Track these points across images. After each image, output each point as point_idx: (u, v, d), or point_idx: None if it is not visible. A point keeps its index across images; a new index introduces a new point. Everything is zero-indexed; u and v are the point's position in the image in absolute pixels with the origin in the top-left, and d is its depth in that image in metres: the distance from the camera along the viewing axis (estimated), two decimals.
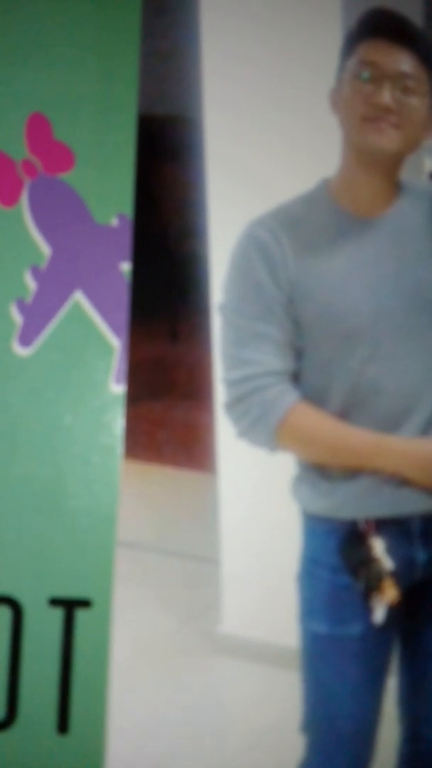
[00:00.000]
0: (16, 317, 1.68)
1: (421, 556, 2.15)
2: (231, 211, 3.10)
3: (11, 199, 1.69)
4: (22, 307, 1.69)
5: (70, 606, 1.67)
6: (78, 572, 1.68)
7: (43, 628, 1.67)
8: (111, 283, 1.69)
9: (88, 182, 1.68)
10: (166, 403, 5.91)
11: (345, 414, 2.11)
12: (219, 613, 3.87)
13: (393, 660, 2.27)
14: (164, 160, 5.62)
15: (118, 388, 1.69)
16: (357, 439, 2.09)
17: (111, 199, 1.69)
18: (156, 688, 3.57)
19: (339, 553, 2.13)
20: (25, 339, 1.69)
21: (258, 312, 2.09)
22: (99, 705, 1.67)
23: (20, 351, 1.69)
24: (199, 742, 3.31)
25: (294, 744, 2.30)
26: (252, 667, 3.70)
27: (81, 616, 1.67)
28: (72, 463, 1.68)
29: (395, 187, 2.13)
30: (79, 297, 1.69)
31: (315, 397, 2.11)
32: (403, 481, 2.10)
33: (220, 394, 2.20)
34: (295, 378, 2.12)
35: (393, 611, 2.12)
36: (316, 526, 2.18)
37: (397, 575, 2.10)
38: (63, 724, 1.67)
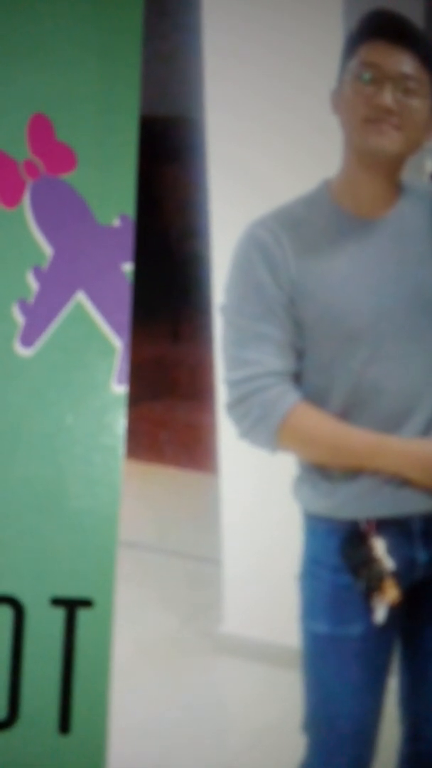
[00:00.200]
0: (18, 317, 1.68)
1: (421, 556, 2.15)
2: (232, 211, 3.10)
3: (13, 199, 1.69)
4: (24, 307, 1.69)
5: (71, 606, 1.67)
6: (80, 572, 1.67)
7: (44, 627, 1.66)
8: (113, 283, 1.69)
9: (90, 183, 1.68)
10: (168, 403, 5.93)
11: (346, 414, 2.11)
12: (220, 613, 3.87)
13: (394, 660, 2.27)
14: (166, 160, 5.64)
15: (119, 389, 1.69)
16: (358, 440, 2.09)
17: (113, 200, 1.69)
18: (157, 688, 3.57)
19: (340, 553, 2.13)
20: (27, 339, 1.69)
21: (259, 313, 2.09)
22: (100, 705, 1.67)
23: (22, 351, 1.69)
24: (200, 741, 3.31)
25: (295, 744, 2.30)
26: (253, 666, 3.70)
27: (82, 616, 1.67)
28: (74, 464, 1.68)
29: (396, 189, 2.13)
30: (80, 297, 1.69)
31: (316, 398, 2.11)
32: (403, 482, 2.10)
33: (221, 394, 2.21)
34: (296, 378, 2.13)
35: (394, 611, 2.12)
36: (317, 526, 2.18)
37: (398, 575, 2.10)
38: (64, 724, 1.66)
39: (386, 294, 2.09)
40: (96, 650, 1.67)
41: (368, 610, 2.12)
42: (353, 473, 2.12)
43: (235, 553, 3.79)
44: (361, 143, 2.05)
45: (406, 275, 2.10)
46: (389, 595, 2.09)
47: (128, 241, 1.69)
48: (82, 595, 1.67)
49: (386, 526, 2.12)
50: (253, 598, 3.75)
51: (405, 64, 2.03)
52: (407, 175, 2.16)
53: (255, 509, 3.68)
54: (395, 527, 2.13)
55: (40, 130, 1.68)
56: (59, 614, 1.67)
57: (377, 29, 2.05)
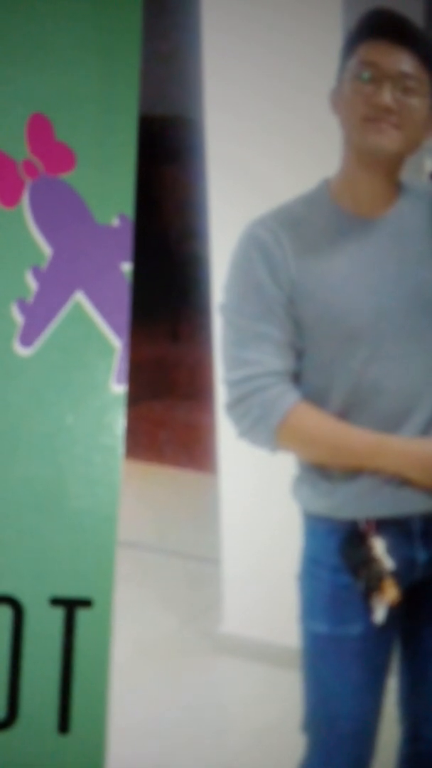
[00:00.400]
0: (17, 317, 1.68)
1: (421, 556, 2.16)
2: (232, 211, 3.10)
3: (12, 199, 1.69)
4: (23, 307, 1.69)
5: (71, 606, 1.67)
6: (79, 572, 1.67)
7: (43, 627, 1.67)
8: (112, 283, 1.69)
9: (89, 183, 1.69)
10: (167, 403, 5.93)
11: (345, 414, 2.11)
12: (220, 613, 3.88)
13: (393, 660, 2.27)
14: (165, 160, 5.64)
15: (119, 389, 1.69)
16: (357, 439, 2.09)
17: (112, 200, 1.69)
18: (157, 688, 3.57)
19: (339, 553, 2.13)
20: (26, 339, 1.69)
21: (258, 312, 2.09)
22: (100, 705, 1.67)
23: (21, 351, 1.69)
24: (200, 741, 3.32)
25: (294, 743, 2.31)
26: (253, 666, 3.70)
27: (82, 615, 1.67)
28: (73, 463, 1.69)
29: (396, 188, 2.13)
30: (80, 297, 1.69)
31: (316, 398, 2.11)
32: (403, 482, 2.10)
33: (220, 394, 2.21)
34: (296, 378, 2.13)
35: (393, 611, 2.12)
36: (316, 526, 2.18)
37: (398, 575, 2.10)
38: (64, 724, 1.67)
39: (386, 293, 2.09)
40: (95, 650, 1.67)
41: (368, 610, 2.12)
42: (353, 473, 2.12)
43: (235, 552, 3.79)
44: (361, 142, 2.05)
45: (405, 274, 2.10)
46: (389, 594, 2.09)
47: (127, 240, 1.69)
48: (82, 594, 1.67)
49: (386, 525, 2.12)
50: (252, 598, 3.76)
51: (404, 63, 2.03)
52: (407, 174, 2.16)
53: (254, 509, 3.68)
54: (395, 527, 2.13)
55: (40, 130, 1.68)
56: (58, 614, 1.67)
57: (376, 28, 2.05)
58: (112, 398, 1.69)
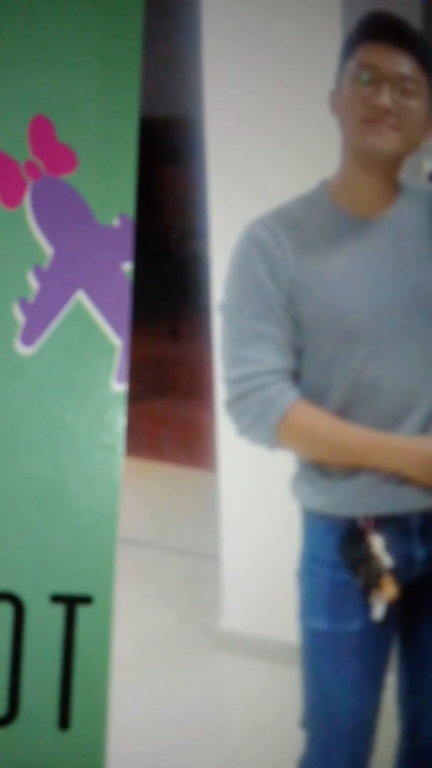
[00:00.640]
0: (19, 316, 1.69)
1: (419, 553, 2.16)
2: (231, 211, 3.11)
3: (14, 199, 1.70)
4: (25, 306, 1.70)
5: (71, 602, 1.68)
6: (79, 569, 1.69)
7: (44, 624, 1.68)
8: (112, 282, 1.70)
9: (90, 183, 1.70)
10: (167, 401, 5.93)
11: (345, 412, 2.11)
12: (219, 610, 3.87)
13: (392, 657, 2.27)
14: (165, 161, 5.64)
15: (119, 387, 1.70)
16: (356, 437, 2.10)
17: (113, 200, 1.70)
18: (157, 685, 3.57)
19: (338, 550, 2.14)
20: (28, 338, 1.70)
21: (258, 311, 2.10)
22: (100, 701, 1.68)
23: (23, 350, 1.70)
24: (200, 737, 3.31)
25: (294, 739, 2.31)
26: (252, 663, 3.69)
27: (82, 612, 1.68)
28: (74, 461, 1.70)
29: (394, 188, 2.13)
30: (81, 297, 1.70)
31: (315, 396, 2.12)
32: (402, 479, 2.10)
33: (220, 392, 2.21)
34: (295, 377, 2.13)
35: (392, 608, 2.12)
36: (315, 523, 2.18)
37: (396, 572, 2.10)
38: (64, 721, 1.68)
39: (384, 292, 2.09)
40: (95, 647, 1.68)
41: (366, 607, 2.12)
42: (352, 471, 2.12)
43: (234, 549, 3.79)
44: (359, 143, 2.05)
45: (404, 274, 2.10)
46: (387, 591, 2.09)
47: (128, 240, 1.70)
48: (82, 591, 1.68)
49: (384, 523, 2.13)
50: (252, 595, 3.75)
51: (403, 65, 2.03)
52: (405, 175, 2.16)
53: (254, 506, 3.68)
54: (393, 524, 2.13)
55: (41, 131, 1.69)
56: (59, 611, 1.68)
57: (375, 31, 2.06)
58: (112, 396, 1.70)
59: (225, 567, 3.84)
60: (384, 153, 2.05)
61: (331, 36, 3.11)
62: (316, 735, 2.27)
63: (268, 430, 2.10)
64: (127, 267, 1.70)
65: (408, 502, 2.12)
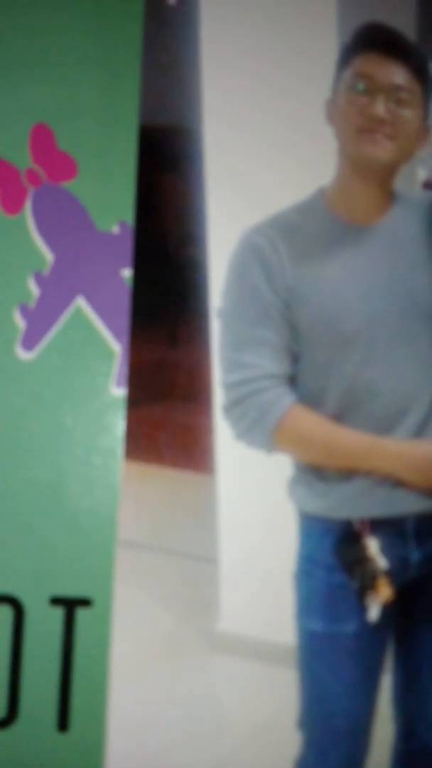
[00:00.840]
0: (20, 322, 1.70)
1: (414, 555, 2.17)
2: (229, 219, 3.11)
3: (15, 206, 1.70)
4: (25, 312, 1.70)
5: (70, 605, 1.68)
6: (79, 572, 1.69)
7: (44, 627, 1.68)
8: (112, 288, 1.71)
9: (90, 191, 1.70)
10: (166, 405, 5.93)
11: (340, 416, 2.12)
12: (217, 611, 3.87)
13: (387, 658, 2.28)
14: (164, 169, 5.64)
15: (118, 392, 1.70)
16: (352, 441, 2.11)
17: (112, 207, 1.70)
18: (155, 686, 3.56)
19: (334, 553, 2.14)
20: (28, 343, 1.70)
21: (255, 317, 2.10)
22: (99, 703, 1.68)
23: (23, 355, 1.70)
24: (198, 738, 3.31)
25: (290, 740, 2.31)
26: (249, 664, 3.69)
27: (81, 615, 1.68)
28: (73, 465, 1.70)
29: (389, 197, 2.15)
30: (80, 302, 1.71)
31: (311, 400, 2.13)
32: (397, 482, 2.11)
33: (218, 397, 2.22)
34: (292, 381, 2.14)
35: (387, 610, 2.13)
36: (312, 526, 2.19)
37: (392, 574, 2.11)
38: (63, 722, 1.68)
39: (379, 299, 2.10)
40: (95, 649, 1.68)
41: (362, 609, 2.12)
42: (347, 474, 2.13)
43: (232, 552, 3.79)
44: (355, 152, 2.06)
45: (398, 280, 2.11)
46: (383, 593, 2.10)
47: (127, 247, 1.71)
48: (81, 594, 1.68)
49: (380, 525, 2.13)
50: (249, 597, 3.75)
51: (397, 75, 2.04)
52: (400, 183, 2.17)
53: (251, 509, 3.68)
54: (389, 527, 2.14)
55: (42, 140, 1.70)
56: (58, 613, 1.68)
57: (370, 42, 2.07)
58: (111, 401, 1.70)
59: (222, 569, 3.84)
60: (379, 162, 2.06)
61: (327, 46, 3.12)
62: (313, 735, 2.28)
63: (265, 434, 2.11)
64: (127, 273, 1.71)
65: (403, 504, 2.13)
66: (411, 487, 2.12)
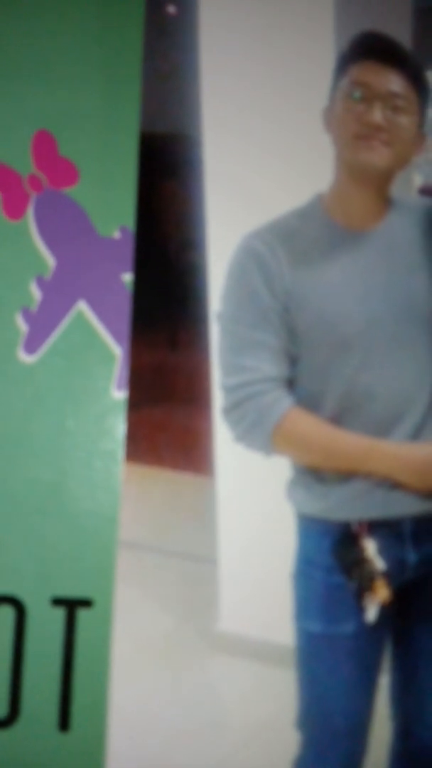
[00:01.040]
0: (22, 325, 1.71)
1: (412, 557, 2.18)
2: (228, 224, 3.12)
3: (18, 212, 1.71)
4: (28, 315, 1.71)
5: (72, 606, 1.69)
6: (80, 573, 1.69)
7: (45, 627, 1.68)
8: (113, 293, 1.71)
9: (92, 196, 1.71)
10: (166, 408, 5.94)
11: (338, 419, 2.13)
12: (217, 612, 3.86)
13: (385, 658, 2.28)
14: (165, 175, 5.64)
15: (119, 394, 1.71)
16: (350, 444, 2.11)
17: (113, 213, 1.71)
18: (155, 686, 3.56)
19: (332, 554, 2.15)
20: (30, 346, 1.71)
21: (254, 320, 2.11)
22: (100, 703, 1.68)
23: (25, 358, 1.71)
24: (198, 737, 3.30)
25: (289, 740, 2.32)
26: (249, 664, 3.69)
27: (82, 615, 1.68)
28: (75, 467, 1.70)
29: (386, 202, 2.16)
30: (82, 306, 1.71)
31: (309, 403, 2.13)
32: (394, 484, 2.12)
33: (218, 399, 2.22)
34: (291, 384, 2.14)
35: (385, 610, 2.13)
36: (310, 527, 2.20)
37: (389, 575, 2.11)
38: (64, 722, 1.68)
39: (376, 303, 2.11)
40: (95, 649, 1.69)
41: (360, 610, 2.13)
42: (346, 476, 2.14)
43: (231, 553, 3.79)
44: (352, 159, 2.07)
45: (395, 285, 2.12)
46: (380, 594, 2.10)
47: (128, 252, 1.71)
48: (83, 595, 1.69)
49: (377, 527, 2.14)
50: (248, 597, 3.75)
51: (393, 82, 2.05)
52: (397, 189, 2.18)
53: (250, 511, 3.68)
54: (386, 529, 2.15)
55: (44, 146, 1.71)
56: (60, 614, 1.69)
57: (367, 50, 2.08)
58: (112, 404, 1.71)
59: (222, 570, 3.84)
60: (376, 168, 2.07)
61: (325, 54, 3.12)
62: (311, 735, 2.28)
63: (264, 436, 2.11)
64: (128, 278, 1.71)
65: (400, 506, 2.14)
66: (408, 489, 2.13)
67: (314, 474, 2.18)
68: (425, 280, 2.14)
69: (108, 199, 1.72)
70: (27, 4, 1.71)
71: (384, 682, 2.31)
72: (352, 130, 2.06)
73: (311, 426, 2.12)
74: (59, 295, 1.71)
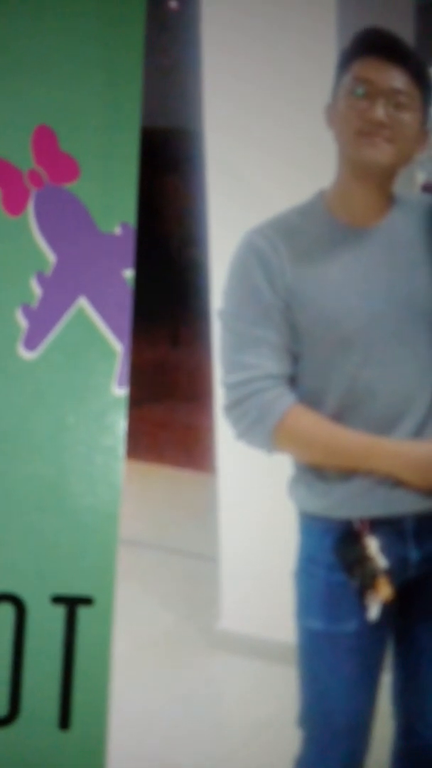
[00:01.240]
0: (22, 322, 1.70)
1: (414, 554, 2.17)
2: (230, 220, 3.12)
3: (18, 207, 1.71)
4: (28, 312, 1.71)
5: (72, 604, 1.69)
6: (80, 570, 1.69)
7: (45, 625, 1.68)
8: (114, 289, 1.71)
9: (93, 192, 1.71)
10: (167, 405, 5.94)
11: (340, 416, 2.13)
12: (217, 610, 3.86)
13: (387, 657, 2.28)
14: (166, 171, 5.65)
15: (120, 391, 1.71)
16: (352, 441, 2.11)
17: (114, 209, 1.71)
18: (156, 684, 3.56)
19: (334, 552, 2.15)
20: (31, 343, 1.71)
21: (256, 317, 2.11)
22: (100, 701, 1.69)
23: (26, 354, 1.71)
24: (199, 736, 3.30)
25: (291, 738, 2.32)
26: (250, 662, 3.69)
27: (83, 613, 1.69)
28: (75, 464, 1.70)
29: (389, 199, 2.15)
30: (83, 302, 1.71)
31: (311, 400, 2.13)
32: (396, 482, 2.12)
33: (219, 396, 2.22)
34: (292, 381, 2.14)
35: (387, 608, 2.13)
36: (312, 525, 2.20)
37: (391, 573, 2.11)
38: (65, 720, 1.68)
39: (378, 300, 2.11)
40: (96, 647, 1.69)
41: (362, 608, 2.13)
42: (347, 474, 2.13)
43: (232, 551, 3.79)
44: (355, 155, 2.07)
45: (397, 282, 2.12)
46: (382, 592, 2.10)
47: (129, 248, 1.71)
48: (83, 593, 1.69)
49: (379, 525, 2.14)
50: (249, 595, 3.75)
51: (396, 79, 2.05)
52: (399, 186, 2.18)
53: (251, 508, 3.68)
54: (388, 527, 2.15)
55: (45, 141, 1.70)
56: (60, 612, 1.69)
57: (370, 46, 2.08)
58: (113, 400, 1.71)
59: (223, 568, 3.84)
60: (378, 165, 2.07)
61: (328, 50, 3.12)
62: (313, 733, 2.28)
63: (265, 433, 2.11)
64: (129, 274, 1.71)
65: (402, 504, 2.14)
66: (410, 487, 2.13)
67: (316, 472, 2.18)
68: (427, 278, 2.13)
69: (109, 195, 1.72)
70: None
71: (386, 681, 2.31)
72: (355, 126, 2.06)
73: (313, 423, 2.12)
74: (60, 291, 1.71)
